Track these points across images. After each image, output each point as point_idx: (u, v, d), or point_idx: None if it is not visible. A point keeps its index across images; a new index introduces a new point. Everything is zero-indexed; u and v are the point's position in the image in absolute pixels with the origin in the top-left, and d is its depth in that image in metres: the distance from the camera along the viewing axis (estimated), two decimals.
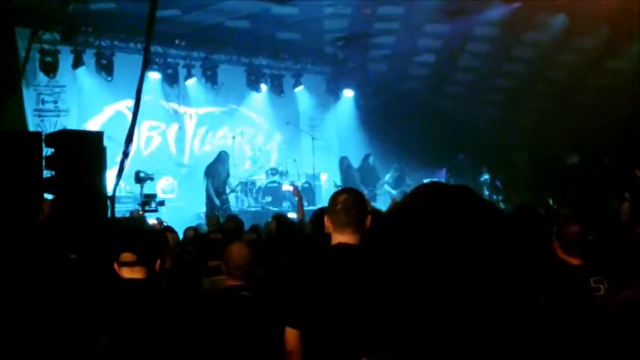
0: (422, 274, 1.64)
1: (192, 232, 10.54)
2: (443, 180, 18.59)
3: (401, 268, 1.66)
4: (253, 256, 5.06)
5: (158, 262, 4.26)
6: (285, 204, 18.60)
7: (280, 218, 8.76)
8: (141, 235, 4.32)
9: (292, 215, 12.47)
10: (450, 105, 21.42)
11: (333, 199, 4.23)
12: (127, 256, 4.14)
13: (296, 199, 11.11)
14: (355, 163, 20.06)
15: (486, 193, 19.21)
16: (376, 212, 7.74)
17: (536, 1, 16.98)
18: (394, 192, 19.33)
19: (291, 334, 3.98)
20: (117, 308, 3.96)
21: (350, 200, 4.15)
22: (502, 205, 16.50)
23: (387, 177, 20.13)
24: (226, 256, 5.15)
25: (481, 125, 20.69)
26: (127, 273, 4.14)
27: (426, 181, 2.14)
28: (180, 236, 9.61)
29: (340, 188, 4.74)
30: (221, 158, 17.82)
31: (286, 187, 18.55)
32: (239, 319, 4.60)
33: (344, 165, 19.83)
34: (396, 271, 1.67)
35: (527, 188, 17.72)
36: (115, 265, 4.17)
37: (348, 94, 22.45)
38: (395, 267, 1.68)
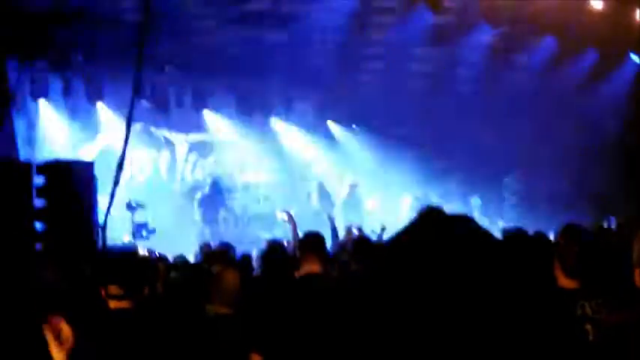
0: (421, 307, 1.64)
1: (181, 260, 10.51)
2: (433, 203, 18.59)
3: (401, 300, 1.66)
4: (242, 284, 5.05)
5: (146, 289, 4.25)
6: (277, 231, 18.53)
7: (273, 245, 8.74)
8: (128, 268, 4.30)
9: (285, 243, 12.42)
10: (440, 128, 21.43)
11: (301, 240, 4.28)
12: (114, 289, 4.13)
13: (290, 225, 11.10)
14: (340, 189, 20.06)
15: (476, 216, 19.17)
16: (366, 241, 7.77)
17: (524, 24, 17.07)
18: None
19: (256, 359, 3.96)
20: (106, 337, 3.94)
21: (312, 242, 4.19)
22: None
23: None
24: (217, 283, 5.14)
25: (471, 149, 20.70)
26: (114, 304, 4.13)
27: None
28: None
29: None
30: (213, 187, 17.85)
31: (281, 215, 18.49)
32: (222, 347, 4.58)
33: (318, 190, 19.77)
34: (396, 305, 1.67)
35: (516, 212, 17.76)
36: (103, 293, 4.16)
37: (338, 119, 22.44)
38: (395, 300, 1.67)
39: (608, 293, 4.81)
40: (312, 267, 4.14)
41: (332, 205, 19.44)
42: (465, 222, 1.76)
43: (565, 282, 4.95)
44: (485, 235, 1.74)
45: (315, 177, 20.77)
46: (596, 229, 11.64)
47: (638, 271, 3.54)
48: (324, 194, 19.60)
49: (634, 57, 18.75)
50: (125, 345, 3.92)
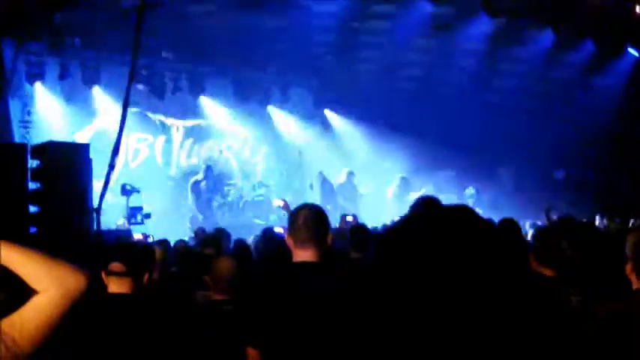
0: (420, 296, 1.64)
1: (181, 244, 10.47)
2: (429, 193, 18.59)
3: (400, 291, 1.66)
4: (239, 270, 5.04)
5: (146, 276, 4.22)
6: (272, 217, 18.54)
7: (267, 233, 8.76)
8: (129, 247, 4.29)
9: (279, 230, 12.42)
10: (437, 119, 21.45)
11: (294, 215, 4.16)
12: (116, 266, 4.10)
13: (285, 213, 11.08)
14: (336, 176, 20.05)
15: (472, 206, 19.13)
16: (363, 228, 7.77)
17: (523, 16, 17.06)
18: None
19: (252, 354, 3.90)
20: (104, 325, 3.93)
21: (311, 216, 4.08)
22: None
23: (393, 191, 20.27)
24: (213, 270, 5.14)
25: (467, 139, 20.73)
26: (114, 285, 4.10)
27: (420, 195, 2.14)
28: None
29: (303, 203, 4.65)
30: (205, 174, 17.80)
31: (277, 202, 18.50)
32: (220, 333, 4.57)
33: (320, 179, 19.75)
34: (394, 296, 1.67)
35: (512, 202, 17.78)
36: (103, 275, 4.13)
37: (335, 107, 22.44)
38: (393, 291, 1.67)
39: (583, 285, 4.84)
40: (308, 254, 4.07)
41: (334, 194, 19.44)
42: (462, 212, 1.77)
43: (538, 269, 5.00)
44: (481, 224, 1.74)
45: (310, 165, 20.77)
46: (588, 223, 11.64)
47: (630, 265, 3.55)
48: (326, 184, 19.60)
49: (631, 50, 18.77)
50: (123, 330, 3.91)
